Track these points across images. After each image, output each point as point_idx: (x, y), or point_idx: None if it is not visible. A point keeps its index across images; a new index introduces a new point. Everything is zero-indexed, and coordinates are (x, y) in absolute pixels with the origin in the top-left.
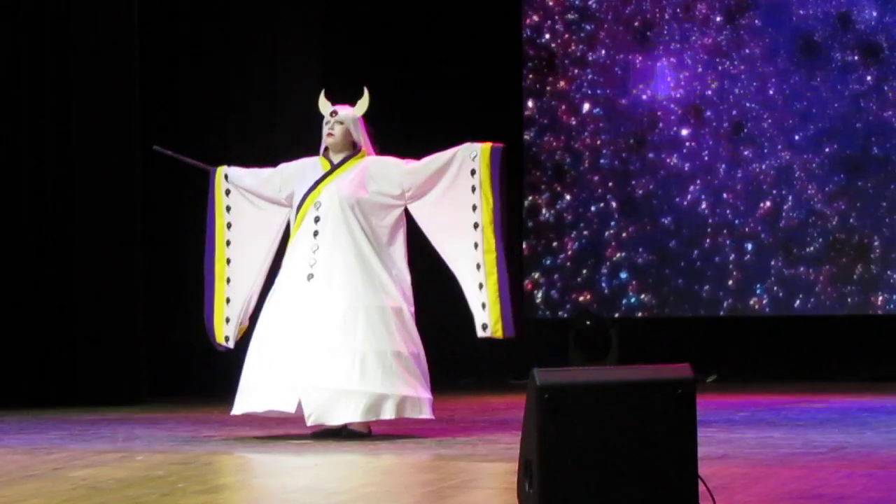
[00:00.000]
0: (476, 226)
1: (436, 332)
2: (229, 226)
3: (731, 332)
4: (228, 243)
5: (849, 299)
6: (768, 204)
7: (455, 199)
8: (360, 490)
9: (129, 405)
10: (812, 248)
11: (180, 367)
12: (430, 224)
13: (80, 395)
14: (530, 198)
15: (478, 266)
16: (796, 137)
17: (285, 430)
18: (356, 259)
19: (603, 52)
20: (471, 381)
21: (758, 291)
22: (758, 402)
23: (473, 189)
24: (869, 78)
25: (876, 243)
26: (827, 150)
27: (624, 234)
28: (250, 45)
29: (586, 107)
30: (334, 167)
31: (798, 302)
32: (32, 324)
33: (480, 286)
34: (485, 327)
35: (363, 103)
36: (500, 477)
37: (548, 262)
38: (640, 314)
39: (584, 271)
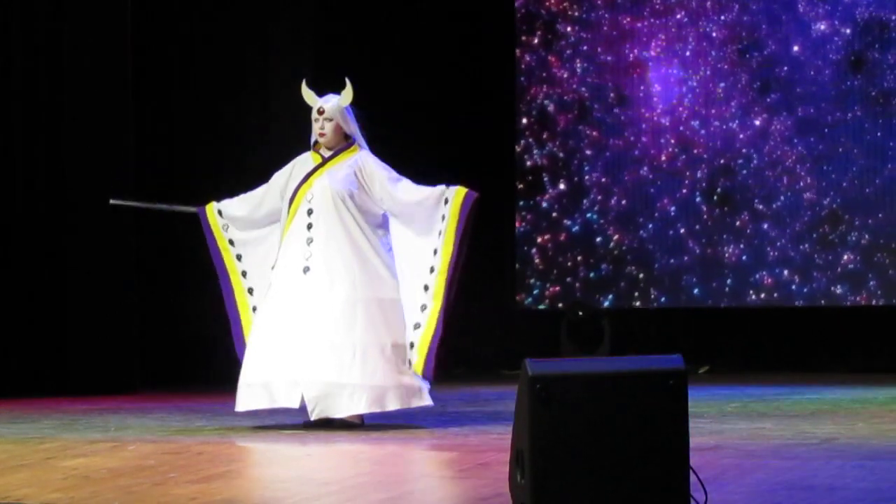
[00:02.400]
0: (432, 269)
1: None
2: (239, 258)
3: (724, 324)
4: (245, 274)
5: (816, 257)
6: (740, 161)
7: (420, 237)
8: (351, 480)
9: (121, 394)
10: (776, 205)
11: (173, 356)
12: (394, 244)
13: (72, 384)
14: (520, 142)
15: (422, 307)
16: (768, 100)
17: (277, 420)
18: (351, 250)
19: (594, 12)
20: (463, 372)
21: (719, 239)
22: (750, 393)
23: (439, 234)
24: (845, 48)
25: (837, 203)
26: (800, 113)
27: (603, 180)
28: (243, 44)
29: (577, 62)
30: (325, 160)
31: (763, 253)
32: (25, 313)
33: (417, 326)
34: (409, 363)
35: (347, 94)
36: (491, 468)
37: (530, 202)
38: (614, 252)
39: (555, 214)
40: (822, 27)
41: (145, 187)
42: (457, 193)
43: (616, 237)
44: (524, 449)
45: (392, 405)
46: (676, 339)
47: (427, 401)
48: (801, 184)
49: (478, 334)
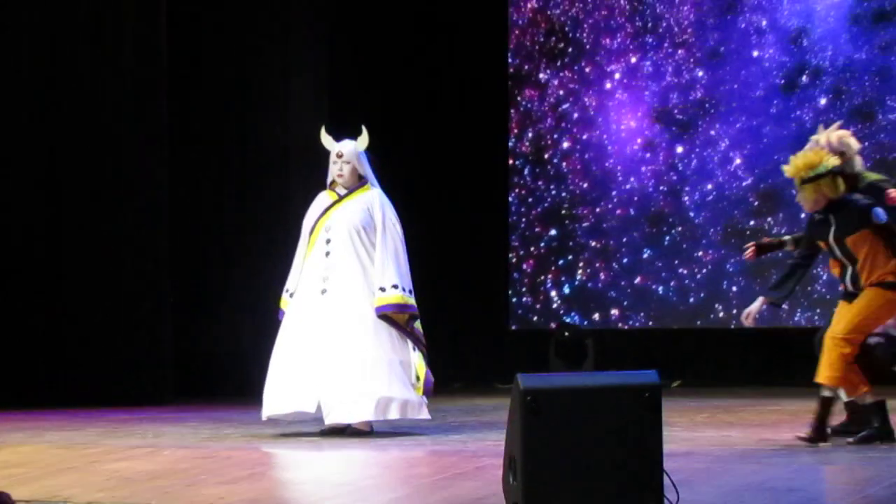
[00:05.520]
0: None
1: (429, 341)
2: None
3: (696, 343)
4: None
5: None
6: (685, 161)
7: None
8: (362, 482)
9: (157, 405)
10: (710, 198)
11: (204, 370)
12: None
13: (114, 396)
14: (510, 82)
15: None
16: (713, 111)
17: (297, 428)
18: (363, 276)
19: (579, 32)
20: (461, 385)
21: (665, 221)
22: (717, 405)
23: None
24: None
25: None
26: (742, 125)
27: (578, 167)
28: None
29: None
30: (341, 197)
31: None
32: (72, 334)
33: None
34: (417, 379)
35: (363, 139)
36: (487, 471)
37: (526, 129)
38: (583, 225)
39: (531, 160)
40: (758, 53)
41: (179, 202)
42: (376, 300)
43: (581, 186)
44: (516, 454)
45: (394, 414)
46: (653, 356)
47: (425, 415)
48: (742, 183)
49: (474, 352)
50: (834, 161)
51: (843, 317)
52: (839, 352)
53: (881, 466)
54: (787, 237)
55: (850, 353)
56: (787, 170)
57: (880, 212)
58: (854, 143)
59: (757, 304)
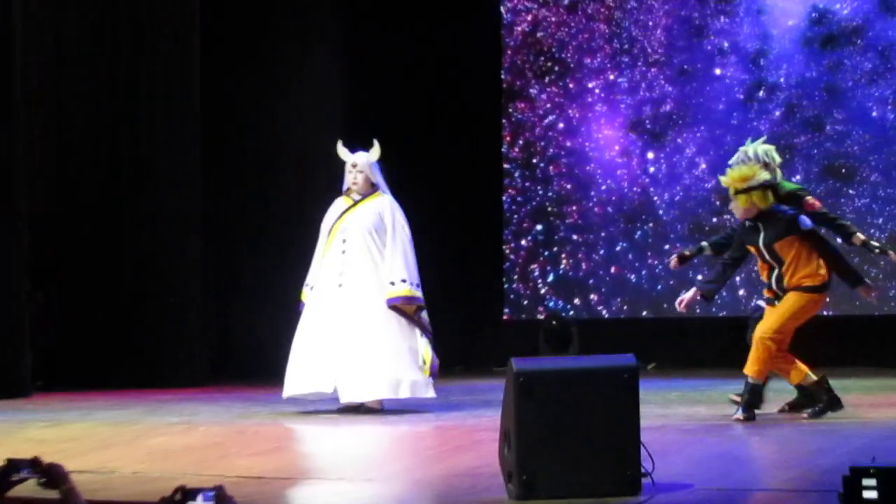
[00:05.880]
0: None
1: (434, 329)
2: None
3: (669, 330)
4: None
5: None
6: (656, 165)
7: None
8: (374, 454)
9: (193, 387)
10: (678, 198)
11: (235, 356)
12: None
13: (155, 378)
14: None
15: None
16: (681, 121)
17: (317, 406)
18: (375, 271)
19: (565, 53)
20: (462, 368)
21: (638, 217)
22: (687, 385)
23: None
24: (744, 91)
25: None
26: (706, 134)
27: (563, 170)
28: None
29: (551, 88)
30: (356, 202)
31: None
32: (120, 324)
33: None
34: (423, 362)
35: (375, 151)
36: (485, 444)
37: (518, 138)
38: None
39: (521, 165)
40: (721, 71)
41: (214, 203)
42: (387, 293)
43: (568, 210)
44: (511, 429)
45: (404, 394)
46: (631, 341)
47: (432, 394)
48: (706, 185)
49: (474, 339)
50: (765, 175)
51: (768, 318)
52: (765, 348)
53: (833, 438)
54: (704, 243)
55: (774, 350)
56: (724, 180)
57: (806, 219)
58: (777, 157)
59: (690, 293)
